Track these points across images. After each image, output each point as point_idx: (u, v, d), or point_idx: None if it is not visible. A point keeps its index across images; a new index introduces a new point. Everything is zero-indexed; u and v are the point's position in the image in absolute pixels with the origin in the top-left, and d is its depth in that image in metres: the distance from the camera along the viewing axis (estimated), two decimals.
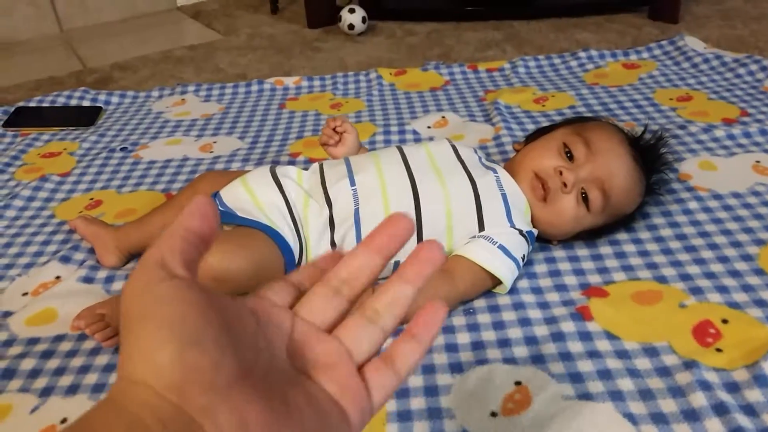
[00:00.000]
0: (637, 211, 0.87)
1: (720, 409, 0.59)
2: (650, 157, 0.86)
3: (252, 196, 0.79)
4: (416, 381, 0.66)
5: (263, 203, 0.78)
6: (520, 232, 0.79)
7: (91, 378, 0.69)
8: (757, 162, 1.01)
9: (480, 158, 0.86)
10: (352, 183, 0.80)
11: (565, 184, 0.80)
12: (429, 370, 0.67)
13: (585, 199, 0.81)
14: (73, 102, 1.42)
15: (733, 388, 0.62)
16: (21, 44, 1.91)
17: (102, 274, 0.85)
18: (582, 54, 1.46)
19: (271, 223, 0.74)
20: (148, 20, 2.07)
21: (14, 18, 1.91)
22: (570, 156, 0.82)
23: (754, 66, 1.32)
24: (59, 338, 0.75)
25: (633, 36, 1.62)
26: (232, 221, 0.76)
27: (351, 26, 1.76)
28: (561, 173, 0.80)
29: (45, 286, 0.84)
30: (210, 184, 0.86)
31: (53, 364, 0.71)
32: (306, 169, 0.86)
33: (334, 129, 0.92)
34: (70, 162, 1.17)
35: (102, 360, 0.71)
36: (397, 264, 0.79)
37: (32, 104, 1.40)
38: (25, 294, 0.83)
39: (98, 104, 1.41)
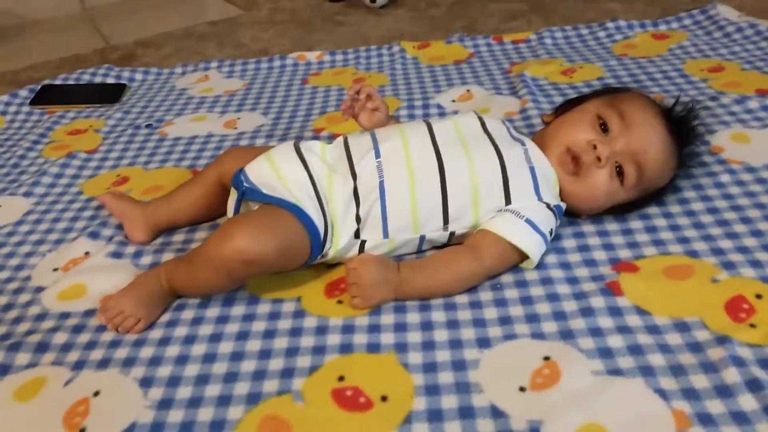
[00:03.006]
0: (669, 185, 0.85)
1: (754, 386, 0.58)
2: (682, 129, 0.84)
3: (276, 172, 0.78)
4: (444, 355, 0.66)
5: (288, 180, 0.77)
6: (548, 205, 0.78)
7: (122, 352, 0.70)
8: None
9: (508, 129, 0.85)
10: (377, 155, 0.79)
11: (599, 159, 0.78)
12: (456, 344, 0.67)
13: (619, 173, 0.79)
14: (98, 79, 1.42)
15: (767, 364, 0.61)
16: (44, 22, 1.91)
17: (130, 249, 0.86)
18: (610, 24, 1.42)
19: (297, 201, 0.74)
20: None
21: None
22: (604, 128, 0.80)
23: None
24: (89, 313, 0.76)
25: (662, 5, 1.58)
26: (258, 198, 0.76)
27: None
28: (595, 147, 0.78)
29: (74, 261, 0.85)
30: (235, 160, 0.86)
31: (84, 338, 0.72)
32: (330, 143, 0.86)
33: (367, 97, 0.90)
34: (97, 139, 1.18)
35: (131, 336, 0.72)
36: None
37: (57, 82, 1.41)
38: (55, 269, 0.84)
39: (122, 81, 1.42)
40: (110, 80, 1.42)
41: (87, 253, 0.86)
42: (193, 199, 0.89)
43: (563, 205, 0.80)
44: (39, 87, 1.38)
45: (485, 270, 0.75)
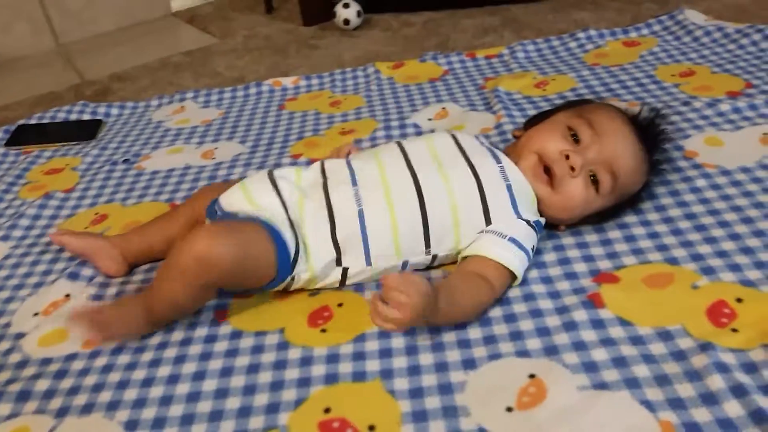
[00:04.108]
0: (643, 191, 0.86)
1: (738, 392, 0.59)
2: (650, 134, 0.85)
3: (250, 199, 0.79)
4: (430, 379, 0.66)
5: (260, 206, 0.78)
6: (528, 222, 0.78)
7: (105, 396, 0.69)
8: (765, 134, 0.99)
9: (482, 144, 0.85)
10: (354, 183, 0.79)
11: (572, 168, 0.79)
12: (442, 367, 0.67)
13: (594, 181, 0.80)
14: (73, 116, 1.42)
15: (750, 368, 0.62)
16: (19, 61, 1.91)
17: (111, 290, 0.85)
18: (581, 34, 1.44)
19: (269, 220, 0.75)
20: (144, 28, 2.07)
21: (11, 35, 1.91)
22: (575, 139, 0.81)
23: (757, 35, 1.30)
24: (71, 357, 0.75)
25: (632, 13, 1.60)
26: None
27: (346, 21, 1.75)
28: (567, 157, 0.79)
29: (55, 305, 0.84)
30: (209, 197, 0.86)
31: (67, 383, 0.71)
32: (306, 169, 0.86)
33: None
34: (74, 177, 1.17)
35: (115, 377, 0.71)
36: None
37: (33, 121, 1.40)
38: (36, 314, 0.83)
39: (98, 117, 1.41)
40: (86, 116, 1.41)
41: (67, 296, 0.85)
42: (167, 233, 0.88)
43: (542, 221, 0.81)
44: (14, 127, 1.38)
45: (496, 295, 0.74)
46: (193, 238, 0.70)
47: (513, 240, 0.75)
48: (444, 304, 0.67)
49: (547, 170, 0.80)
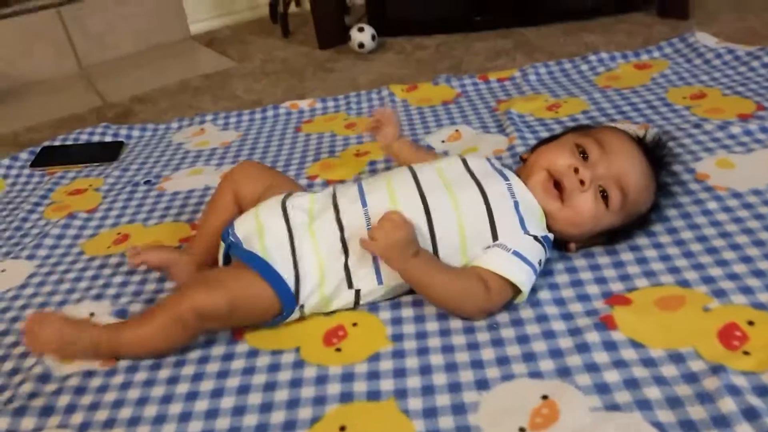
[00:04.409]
0: (653, 212, 0.87)
1: (750, 414, 0.59)
2: (656, 155, 0.87)
3: (259, 226, 0.81)
4: (443, 399, 0.67)
5: (266, 233, 0.80)
6: (535, 237, 0.79)
7: (126, 412, 0.71)
8: None
9: (492, 164, 0.87)
10: (364, 204, 0.81)
11: (582, 182, 0.80)
12: (455, 388, 0.68)
13: (604, 196, 0.81)
14: (96, 138, 1.45)
15: (763, 391, 0.62)
16: (43, 83, 1.96)
17: (135, 308, 0.87)
18: (592, 57, 1.46)
19: (267, 257, 0.78)
20: (164, 51, 2.12)
21: (36, 58, 1.97)
22: (584, 156, 0.82)
23: None
24: (89, 374, 0.77)
25: (644, 36, 1.62)
26: (238, 254, 0.81)
27: (361, 45, 1.78)
28: (577, 171, 0.80)
29: None
30: (247, 179, 0.92)
31: (87, 399, 0.73)
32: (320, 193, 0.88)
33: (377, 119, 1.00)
34: (96, 198, 1.20)
35: (134, 394, 0.73)
36: None
37: (57, 143, 1.44)
38: None
39: (120, 138, 1.45)
40: (108, 138, 1.45)
41: (92, 314, 0.87)
42: (218, 222, 0.90)
43: (551, 236, 0.82)
44: (39, 149, 1.41)
45: (490, 301, 0.76)
46: (187, 292, 0.76)
47: (516, 253, 0.77)
48: (423, 262, 0.75)
49: (557, 185, 0.82)
